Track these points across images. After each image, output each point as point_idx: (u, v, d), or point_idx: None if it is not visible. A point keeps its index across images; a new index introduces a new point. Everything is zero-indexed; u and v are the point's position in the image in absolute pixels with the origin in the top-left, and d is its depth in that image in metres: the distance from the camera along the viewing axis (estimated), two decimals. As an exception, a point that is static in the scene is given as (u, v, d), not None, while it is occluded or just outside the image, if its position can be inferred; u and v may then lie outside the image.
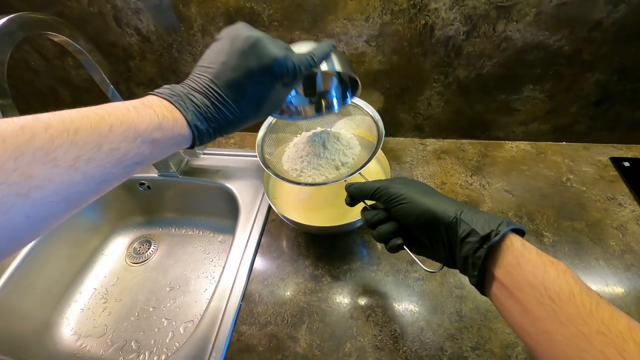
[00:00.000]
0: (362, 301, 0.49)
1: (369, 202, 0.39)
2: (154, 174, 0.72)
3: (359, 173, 0.45)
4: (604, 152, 0.65)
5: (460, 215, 0.30)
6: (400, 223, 0.34)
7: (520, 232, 0.29)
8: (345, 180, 0.44)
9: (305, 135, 0.55)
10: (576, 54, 0.54)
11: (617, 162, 0.62)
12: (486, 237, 0.28)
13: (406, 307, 0.48)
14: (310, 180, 0.50)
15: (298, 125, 0.56)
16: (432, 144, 0.71)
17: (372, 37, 0.56)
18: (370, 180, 0.40)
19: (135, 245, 0.78)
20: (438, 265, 0.34)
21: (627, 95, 0.58)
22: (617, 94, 0.58)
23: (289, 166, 0.52)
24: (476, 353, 0.43)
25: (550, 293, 0.24)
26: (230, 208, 0.71)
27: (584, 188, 0.60)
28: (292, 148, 0.54)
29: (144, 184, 0.74)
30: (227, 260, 0.56)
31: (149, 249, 0.77)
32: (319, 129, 0.54)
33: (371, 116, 0.51)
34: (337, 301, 0.49)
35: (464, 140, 0.71)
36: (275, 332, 0.47)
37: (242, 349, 0.46)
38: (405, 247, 0.35)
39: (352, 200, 0.39)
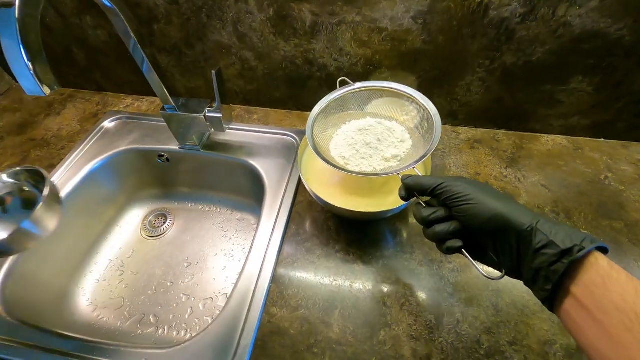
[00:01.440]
0: (395, 289, 0.48)
1: (424, 199, 0.37)
2: (174, 146, 0.69)
3: (413, 168, 0.43)
4: (643, 152, 0.63)
5: (536, 225, 0.28)
6: (462, 224, 0.33)
7: (604, 251, 0.27)
8: (398, 174, 0.42)
9: (355, 123, 0.53)
10: (635, 46, 0.51)
11: (656, 162, 0.61)
12: (567, 251, 0.26)
13: (441, 297, 0.47)
14: (357, 170, 0.48)
15: (350, 114, 0.55)
16: (465, 132, 0.69)
17: (420, 13, 0.53)
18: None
19: (151, 218, 0.76)
20: (495, 272, 0.33)
21: (679, 94, 0.55)
22: (669, 91, 0.55)
23: (336, 153, 0.51)
24: (513, 348, 0.42)
25: None
26: (252, 186, 0.69)
27: (623, 187, 0.58)
28: (341, 135, 0.52)
29: (163, 155, 0.71)
30: (254, 240, 0.54)
31: (164, 222, 0.76)
32: (371, 120, 0.52)
33: (428, 110, 0.49)
34: (369, 288, 0.48)
35: (498, 131, 0.68)
36: (307, 316, 0.46)
37: (274, 331, 0.45)
38: (464, 250, 0.33)
39: (407, 194, 0.38)
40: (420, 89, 0.63)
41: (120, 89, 0.82)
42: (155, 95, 0.80)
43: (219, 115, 0.59)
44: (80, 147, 0.69)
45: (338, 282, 0.49)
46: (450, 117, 0.68)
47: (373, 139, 0.50)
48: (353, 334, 0.44)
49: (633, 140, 0.64)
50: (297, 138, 0.69)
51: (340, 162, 0.49)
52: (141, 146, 0.70)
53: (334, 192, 0.54)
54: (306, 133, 0.50)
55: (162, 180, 0.77)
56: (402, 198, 0.38)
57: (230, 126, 0.72)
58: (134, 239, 0.73)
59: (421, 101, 0.49)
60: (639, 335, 0.22)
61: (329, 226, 0.55)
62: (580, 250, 0.26)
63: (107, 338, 0.58)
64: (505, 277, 0.32)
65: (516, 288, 0.47)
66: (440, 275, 0.49)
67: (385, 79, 0.64)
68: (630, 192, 0.57)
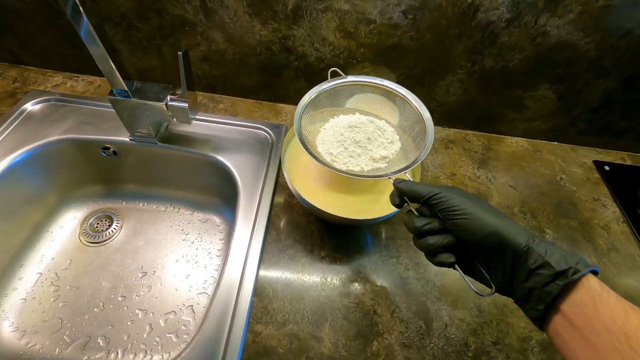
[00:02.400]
0: (385, 296, 0.47)
1: (414, 205, 0.36)
2: (123, 137, 0.58)
3: (405, 173, 0.42)
4: (587, 155, 0.70)
5: (532, 244, 0.28)
6: (456, 238, 0.32)
7: (595, 273, 0.27)
8: (390, 178, 0.39)
9: (344, 119, 0.50)
10: (598, 59, 0.55)
11: (599, 165, 0.68)
12: (562, 273, 0.26)
13: (429, 301, 0.47)
14: (344, 168, 0.45)
15: (340, 108, 0.52)
16: (439, 132, 0.70)
17: (411, 8, 0.51)
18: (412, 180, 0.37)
19: (92, 220, 0.65)
20: (486, 288, 0.32)
21: (623, 105, 0.62)
22: (616, 102, 0.62)
23: (323, 149, 0.47)
24: (497, 347, 0.44)
25: (631, 342, 0.23)
26: (219, 184, 0.62)
27: (575, 188, 0.64)
28: (329, 130, 0.49)
29: (108, 148, 0.60)
30: (230, 247, 0.48)
31: (110, 225, 0.65)
32: (362, 117, 0.50)
33: (421, 114, 0.47)
34: (358, 296, 0.46)
35: (468, 131, 0.70)
36: (295, 331, 0.42)
37: (260, 351, 0.40)
38: (456, 266, 0.32)
39: (401, 201, 0.36)
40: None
41: (45, 62, 0.66)
42: (95, 74, 0.67)
43: (185, 104, 0.51)
44: (-5, 135, 0.55)
45: (326, 292, 0.46)
46: (425, 116, 0.68)
47: (363, 137, 0.48)
48: (346, 347, 0.42)
49: (580, 144, 0.71)
50: (271, 132, 0.63)
51: (327, 159, 0.47)
52: (80, 136, 0.58)
53: (320, 191, 0.50)
54: (294, 124, 0.46)
55: (105, 175, 0.66)
56: (396, 205, 0.36)
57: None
58: (71, 247, 0.61)
59: (414, 103, 0.48)
60: (627, 356, 0.23)
61: (312, 230, 0.52)
62: (575, 272, 0.26)
63: (42, 371, 0.48)
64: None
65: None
66: (427, 279, 0.49)
67: (367, 74, 0.61)
68: (581, 192, 0.63)
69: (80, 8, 0.40)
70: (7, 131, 0.56)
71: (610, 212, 0.61)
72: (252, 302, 0.44)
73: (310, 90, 0.49)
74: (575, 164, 0.68)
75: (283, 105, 0.68)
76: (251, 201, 0.54)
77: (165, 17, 0.55)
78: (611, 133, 0.68)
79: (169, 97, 0.51)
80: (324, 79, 0.62)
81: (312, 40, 0.56)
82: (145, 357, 0.52)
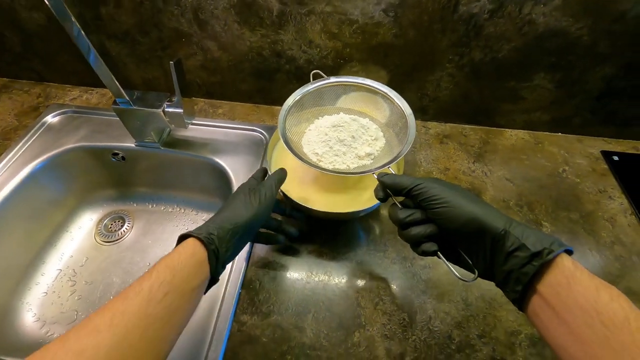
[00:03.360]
0: (370, 289, 0.47)
1: (399, 199, 0.37)
2: (130, 143, 0.63)
3: (389, 167, 0.42)
4: (595, 146, 0.67)
5: (509, 228, 0.29)
6: (438, 227, 0.33)
7: (569, 252, 0.28)
8: (374, 173, 0.40)
9: (328, 119, 0.51)
10: (593, 46, 0.53)
11: (607, 155, 0.65)
12: (537, 254, 0.27)
13: (413, 295, 0.47)
14: (330, 167, 0.47)
15: (323, 109, 0.53)
16: (435, 127, 0.69)
17: (391, 6, 0.51)
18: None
19: (106, 221, 0.70)
20: (469, 274, 0.33)
21: (627, 92, 0.59)
22: (619, 90, 0.59)
23: (309, 149, 0.49)
24: (482, 341, 0.43)
25: (602, 318, 0.23)
26: (218, 185, 0.65)
27: (578, 180, 0.61)
28: (314, 131, 0.51)
29: (117, 154, 0.65)
30: (221, 243, 0.51)
31: (122, 226, 0.70)
32: (345, 116, 0.51)
33: (402, 110, 0.48)
34: (343, 289, 0.47)
35: (465, 126, 0.70)
36: (279, 321, 0.44)
37: (245, 340, 0.42)
38: (439, 253, 0.33)
39: (385, 194, 0.37)
40: (391, 83, 0.62)
41: (65, 79, 0.73)
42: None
43: (180, 110, 0.55)
44: (19, 145, 0.61)
45: (311, 285, 0.47)
46: (420, 112, 0.68)
47: (347, 136, 0.49)
48: (327, 338, 0.43)
49: (587, 135, 0.68)
50: (265, 134, 0.66)
51: (313, 159, 0.48)
52: (91, 143, 0.63)
53: (307, 190, 0.52)
54: (278, 126, 0.47)
55: (118, 180, 0.71)
56: (379, 199, 0.37)
57: (194, 121, 0.67)
58: (88, 245, 0.67)
59: (396, 100, 0.49)
60: (599, 332, 0.23)
61: (300, 225, 0.53)
62: (549, 253, 0.26)
63: (58, 357, 0.53)
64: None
65: (484, 282, 0.48)
66: (413, 272, 0.49)
67: (356, 73, 0.62)
68: (585, 184, 0.61)
69: (82, 32, 0.45)
70: (30, 141, 0.62)
71: (617, 203, 0.58)
72: (239, 294, 0.46)
73: (294, 93, 0.51)
74: (580, 155, 0.65)
75: (279, 107, 0.70)
76: (244, 199, 0.56)
77: (163, 31, 0.59)
78: (619, 122, 0.65)
79: (165, 104, 0.55)
80: (314, 80, 0.64)
81: (300, 44, 0.59)
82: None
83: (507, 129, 0.69)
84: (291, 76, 0.64)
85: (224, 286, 0.47)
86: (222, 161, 0.61)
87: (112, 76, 0.50)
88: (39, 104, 0.70)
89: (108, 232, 0.69)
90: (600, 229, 0.55)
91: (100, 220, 0.70)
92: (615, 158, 0.64)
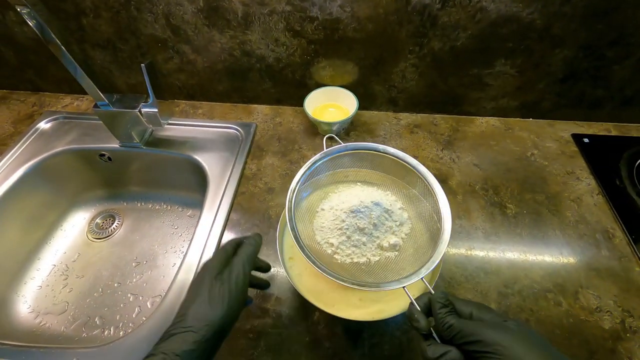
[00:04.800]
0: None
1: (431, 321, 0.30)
2: (114, 144, 0.67)
3: (422, 279, 0.35)
4: (566, 129, 0.67)
5: None
6: None
7: None
8: (404, 287, 0.34)
9: (345, 198, 0.44)
10: (546, 29, 0.54)
11: (577, 138, 0.65)
12: None
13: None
14: (347, 261, 0.40)
15: (340, 183, 0.48)
16: (406, 117, 0.71)
17: (346, 1, 0.54)
18: (429, 282, 0.34)
19: (98, 220, 0.74)
20: None
21: (590, 73, 0.60)
22: (581, 71, 0.59)
23: (322, 237, 0.42)
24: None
25: None
26: (198, 181, 0.68)
27: (546, 162, 0.62)
28: (328, 213, 0.44)
29: (104, 154, 0.69)
30: (194, 233, 0.54)
31: (112, 223, 0.74)
32: (365, 200, 0.43)
33: (437, 201, 0.41)
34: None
35: (436, 115, 0.71)
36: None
37: (210, 320, 0.45)
38: None
39: (426, 324, 0.29)
40: (359, 76, 0.65)
41: (58, 87, 0.78)
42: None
43: (155, 110, 0.58)
44: (13, 150, 0.66)
45: (276, 267, 0.50)
46: (390, 103, 0.70)
47: (367, 223, 0.41)
48: (288, 317, 0.45)
49: (558, 119, 0.69)
50: (241, 130, 0.69)
51: (328, 251, 0.41)
52: (79, 146, 0.68)
53: (320, 284, 0.43)
54: (286, 214, 0.39)
55: (108, 180, 0.75)
56: (419, 328, 0.30)
57: (174, 121, 0.71)
58: (80, 242, 0.71)
59: (424, 174, 0.43)
60: None
61: (270, 215, 0.56)
62: None
63: (48, 343, 0.57)
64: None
65: (445, 262, 0.49)
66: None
67: (324, 68, 0.65)
68: (553, 166, 0.61)
69: (65, 50, 0.49)
70: (23, 147, 0.67)
71: (584, 184, 0.58)
72: (207, 278, 0.49)
73: (304, 165, 0.43)
74: (550, 139, 0.66)
75: (255, 105, 0.74)
76: (217, 192, 0.59)
77: (140, 37, 0.63)
78: (589, 104, 0.65)
79: (142, 105, 0.59)
80: (286, 77, 0.68)
81: (267, 42, 0.62)
82: (132, 332, 0.59)
83: (477, 117, 0.70)
84: (263, 74, 0.67)
85: (194, 271, 0.50)
86: (199, 157, 0.65)
87: (93, 84, 0.54)
88: (33, 111, 0.75)
89: (99, 230, 0.73)
90: (565, 209, 0.55)
91: (93, 219, 0.74)
92: (586, 140, 0.65)
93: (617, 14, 0.51)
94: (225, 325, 0.32)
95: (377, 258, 0.41)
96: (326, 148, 0.45)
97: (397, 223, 0.43)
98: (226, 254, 0.37)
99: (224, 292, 0.33)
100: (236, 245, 0.38)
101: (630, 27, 0.53)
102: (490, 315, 0.28)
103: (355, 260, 0.41)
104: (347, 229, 0.41)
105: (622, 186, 0.57)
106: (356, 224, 0.41)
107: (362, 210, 0.42)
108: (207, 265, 0.35)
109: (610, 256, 0.50)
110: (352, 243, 0.41)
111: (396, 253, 0.41)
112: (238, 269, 0.35)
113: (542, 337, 0.26)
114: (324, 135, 0.60)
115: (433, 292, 0.32)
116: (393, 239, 0.41)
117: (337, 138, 0.49)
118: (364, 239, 0.41)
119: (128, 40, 0.64)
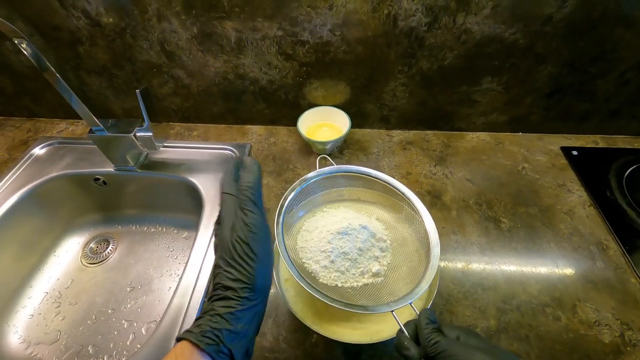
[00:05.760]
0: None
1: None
2: (110, 168, 0.67)
3: (410, 304, 0.36)
4: (555, 142, 0.69)
5: None
6: None
7: None
8: (392, 312, 0.34)
9: (333, 220, 0.45)
10: (530, 47, 0.56)
11: (566, 151, 0.66)
12: None
13: None
14: (333, 285, 0.41)
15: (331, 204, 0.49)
16: (398, 135, 0.72)
17: (336, 26, 0.56)
18: (426, 301, 0.36)
19: (92, 244, 0.74)
20: None
21: (576, 87, 0.61)
22: (567, 85, 0.61)
23: (306, 256, 0.42)
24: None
25: None
26: (194, 203, 0.68)
27: (538, 176, 0.63)
28: (315, 232, 0.44)
29: (98, 179, 0.69)
30: (190, 256, 0.54)
31: (107, 248, 0.73)
32: (353, 222, 0.43)
33: (425, 229, 0.42)
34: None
35: (428, 132, 0.72)
36: (240, 327, 0.46)
37: (206, 346, 0.44)
38: None
39: (417, 352, 0.30)
40: (351, 96, 0.66)
41: (53, 113, 0.79)
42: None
43: (149, 134, 0.59)
44: (7, 177, 0.66)
45: (273, 290, 0.49)
46: (383, 121, 0.71)
47: (353, 247, 0.42)
48: (286, 341, 0.44)
49: (547, 132, 0.70)
50: (236, 151, 0.69)
51: (313, 268, 0.42)
52: (73, 171, 0.68)
53: (314, 303, 0.44)
54: (275, 231, 0.40)
55: (103, 204, 0.75)
56: (408, 357, 0.30)
57: (169, 144, 0.71)
58: (73, 268, 0.70)
59: (419, 211, 0.43)
60: None
61: (266, 236, 0.56)
62: None
63: (39, 375, 0.55)
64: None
65: (442, 278, 0.49)
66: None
67: (316, 89, 0.66)
68: (544, 179, 0.62)
69: (60, 78, 0.50)
70: (17, 173, 0.67)
71: (575, 196, 0.59)
72: (202, 302, 0.48)
73: (294, 184, 0.45)
74: (540, 152, 0.67)
75: (250, 126, 0.75)
76: (213, 212, 0.59)
77: (135, 63, 0.65)
78: (576, 117, 0.67)
79: (136, 129, 0.59)
80: (279, 98, 0.69)
81: (260, 66, 0.63)
82: (127, 362, 0.57)
83: (468, 132, 0.71)
84: (257, 96, 0.69)
85: (190, 295, 0.49)
86: (194, 179, 0.65)
87: (88, 110, 0.55)
88: (28, 137, 0.75)
89: (93, 254, 0.72)
90: (559, 222, 0.56)
91: (87, 244, 0.74)
92: (575, 153, 0.66)
93: (596, 32, 0.54)
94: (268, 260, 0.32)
95: (359, 284, 0.41)
96: (319, 168, 0.46)
97: (380, 249, 0.43)
98: (235, 181, 0.33)
99: (254, 216, 0.32)
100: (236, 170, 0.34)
101: (610, 44, 0.55)
102: (477, 341, 0.28)
103: (338, 284, 0.41)
104: (332, 252, 0.42)
105: (612, 197, 0.58)
106: (341, 247, 0.42)
107: (349, 232, 0.42)
108: (224, 205, 0.32)
109: (605, 268, 0.50)
110: (335, 268, 0.41)
111: (380, 279, 0.41)
112: (255, 188, 0.32)
113: None
114: (319, 155, 0.61)
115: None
116: (376, 267, 0.42)
117: (330, 159, 0.49)
118: (347, 264, 0.41)
119: (124, 67, 0.66)
